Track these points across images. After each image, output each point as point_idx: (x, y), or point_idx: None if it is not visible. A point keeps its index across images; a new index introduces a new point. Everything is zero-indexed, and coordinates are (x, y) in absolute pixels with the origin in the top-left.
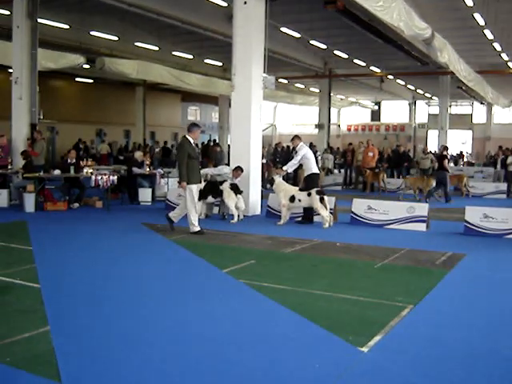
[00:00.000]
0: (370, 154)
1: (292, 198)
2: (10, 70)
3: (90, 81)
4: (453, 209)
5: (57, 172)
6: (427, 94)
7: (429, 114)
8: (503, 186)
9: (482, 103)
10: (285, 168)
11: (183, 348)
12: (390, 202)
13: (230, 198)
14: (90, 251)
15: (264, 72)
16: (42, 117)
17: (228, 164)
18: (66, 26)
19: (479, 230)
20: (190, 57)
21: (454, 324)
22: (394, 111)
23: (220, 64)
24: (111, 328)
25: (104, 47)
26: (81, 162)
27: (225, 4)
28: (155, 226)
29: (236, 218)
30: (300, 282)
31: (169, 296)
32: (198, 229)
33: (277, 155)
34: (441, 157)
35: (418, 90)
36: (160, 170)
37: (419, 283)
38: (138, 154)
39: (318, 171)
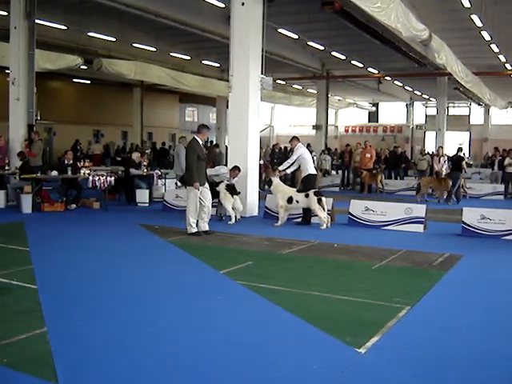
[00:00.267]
0: (368, 155)
1: (290, 199)
2: (8, 71)
3: (88, 82)
4: (450, 210)
5: (54, 173)
6: (425, 96)
7: (426, 116)
8: (500, 188)
9: (479, 104)
10: (280, 168)
11: (180, 349)
12: (387, 203)
13: (227, 199)
14: (87, 252)
15: (261, 73)
16: (39, 117)
17: (226, 165)
18: (64, 27)
19: (477, 231)
20: (188, 58)
21: (451, 325)
22: (392, 112)
23: (217, 65)
24: (108, 329)
25: (101, 48)
26: (78, 163)
27: (222, 5)
28: (152, 227)
29: (233, 219)
30: (297, 283)
31: (166, 297)
32: (195, 230)
33: (274, 156)
34: (457, 158)
35: (416, 92)
36: (157, 171)
37: (416, 284)
38: (136, 155)
39: (315, 172)
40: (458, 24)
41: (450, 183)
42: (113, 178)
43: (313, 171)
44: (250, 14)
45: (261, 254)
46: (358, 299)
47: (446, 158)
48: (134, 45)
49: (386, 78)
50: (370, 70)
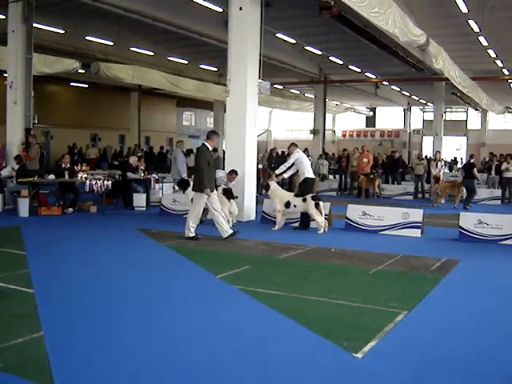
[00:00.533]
0: (365, 159)
1: (287, 204)
2: (5, 75)
3: (85, 86)
4: (447, 215)
5: (51, 177)
6: (422, 100)
7: (424, 120)
8: (497, 192)
9: (476, 109)
10: (277, 172)
11: (177, 353)
12: (384, 208)
13: (223, 204)
14: (84, 256)
15: (259, 77)
16: (36, 121)
17: (223, 169)
18: (62, 31)
19: (474, 235)
20: (186, 62)
21: (448, 329)
22: (389, 117)
23: (215, 69)
24: (105, 333)
25: (99, 52)
26: (75, 167)
27: (220, 9)
28: (150, 231)
29: (230, 223)
30: (294, 287)
31: (163, 301)
32: (193, 235)
33: (272, 161)
34: (469, 165)
35: (413, 96)
36: (155, 175)
37: (414, 289)
38: (133, 159)
39: (313, 176)
40: (456, 29)
41: (464, 190)
42: (110, 182)
43: (311, 175)
44: (247, 19)
45: (258, 259)
46: (355, 304)
47: (443, 162)
48: (132, 49)
49: (384, 82)
50: (367, 74)
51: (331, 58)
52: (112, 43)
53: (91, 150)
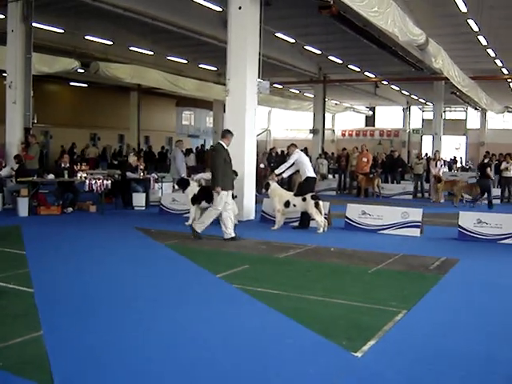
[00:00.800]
0: (364, 159)
1: (287, 203)
2: (5, 74)
3: (85, 85)
4: (447, 214)
5: (50, 176)
6: (421, 100)
7: (423, 120)
8: (497, 192)
9: (476, 109)
10: (277, 171)
11: (177, 353)
12: (384, 207)
13: None
14: (84, 255)
15: (258, 77)
16: (35, 121)
17: None
18: (61, 31)
19: (473, 235)
20: (185, 61)
21: (448, 329)
22: (389, 116)
23: (215, 69)
24: (104, 332)
25: (98, 51)
26: (75, 167)
27: (219, 9)
28: (149, 230)
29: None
30: (294, 287)
31: (162, 301)
32: (233, 235)
33: (271, 160)
34: (483, 165)
35: (413, 96)
36: (154, 175)
37: (413, 288)
38: (132, 159)
39: (314, 175)
40: (455, 29)
41: (479, 190)
42: (109, 182)
43: (312, 174)
44: (247, 18)
45: (257, 258)
46: (354, 303)
47: (443, 161)
48: (131, 48)
49: (383, 82)
50: (366, 74)
51: (330, 58)
52: (111, 43)
53: (91, 149)
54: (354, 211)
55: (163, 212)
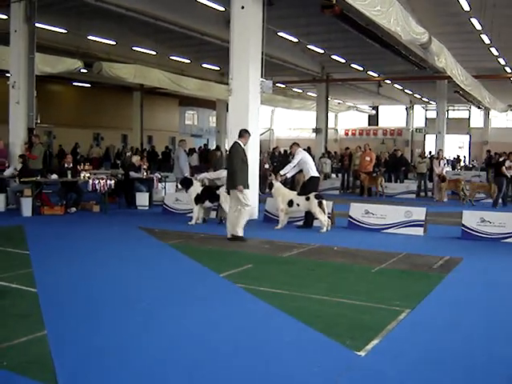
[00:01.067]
0: (367, 158)
1: (290, 203)
2: (8, 75)
3: (88, 85)
4: (450, 213)
5: (54, 176)
6: (424, 99)
7: (426, 119)
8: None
9: (479, 108)
10: (282, 172)
11: (181, 352)
12: (387, 207)
13: (227, 203)
14: (87, 256)
15: (261, 76)
16: (39, 121)
17: (226, 168)
18: (64, 31)
19: (476, 234)
20: (188, 61)
21: (451, 328)
22: (392, 116)
23: (217, 68)
24: (108, 332)
25: (101, 51)
26: (78, 167)
27: (222, 8)
28: (152, 230)
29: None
30: (297, 286)
31: (166, 300)
32: (241, 234)
33: (274, 160)
34: (498, 164)
35: (416, 95)
36: (157, 175)
37: (416, 287)
38: (135, 159)
39: (317, 174)
40: (458, 27)
41: (496, 188)
42: (113, 182)
43: (315, 174)
44: (249, 18)
45: (261, 257)
46: (357, 302)
47: (446, 160)
48: (134, 48)
49: (386, 81)
50: (369, 73)
51: (333, 57)
52: (114, 43)
53: (94, 149)
54: (358, 210)
55: (166, 212)
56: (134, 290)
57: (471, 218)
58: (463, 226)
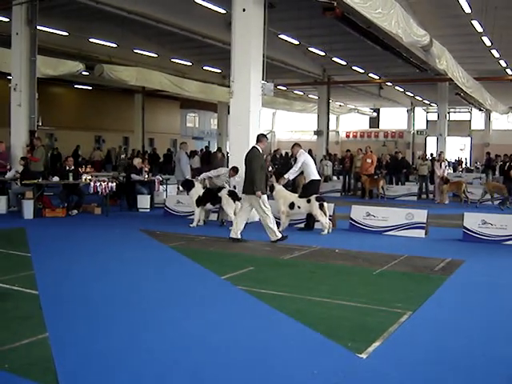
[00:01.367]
0: (369, 160)
1: (292, 205)
2: (9, 77)
3: (89, 88)
4: (451, 215)
5: (55, 179)
6: (426, 101)
7: (427, 121)
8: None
9: (480, 110)
10: (286, 176)
11: (181, 353)
12: (388, 209)
13: (229, 205)
14: (89, 258)
15: (263, 79)
16: (40, 123)
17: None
18: (65, 33)
19: (478, 236)
20: (189, 63)
21: (453, 330)
22: (393, 118)
23: (219, 71)
24: (109, 334)
25: (103, 54)
26: (79, 169)
27: (223, 11)
28: (154, 232)
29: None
30: (299, 288)
31: (167, 302)
32: (280, 236)
33: (275, 162)
34: (510, 168)
35: (417, 97)
36: (159, 177)
37: (418, 289)
38: (137, 161)
39: (318, 177)
40: (459, 29)
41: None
42: (114, 184)
43: (316, 177)
44: (250, 20)
45: (262, 260)
46: (359, 304)
47: (447, 162)
48: (135, 51)
49: (387, 83)
50: (370, 75)
51: (334, 59)
52: (115, 45)
53: (96, 152)
54: (359, 213)
55: (168, 214)
56: (135, 292)
57: (472, 220)
58: (464, 228)
